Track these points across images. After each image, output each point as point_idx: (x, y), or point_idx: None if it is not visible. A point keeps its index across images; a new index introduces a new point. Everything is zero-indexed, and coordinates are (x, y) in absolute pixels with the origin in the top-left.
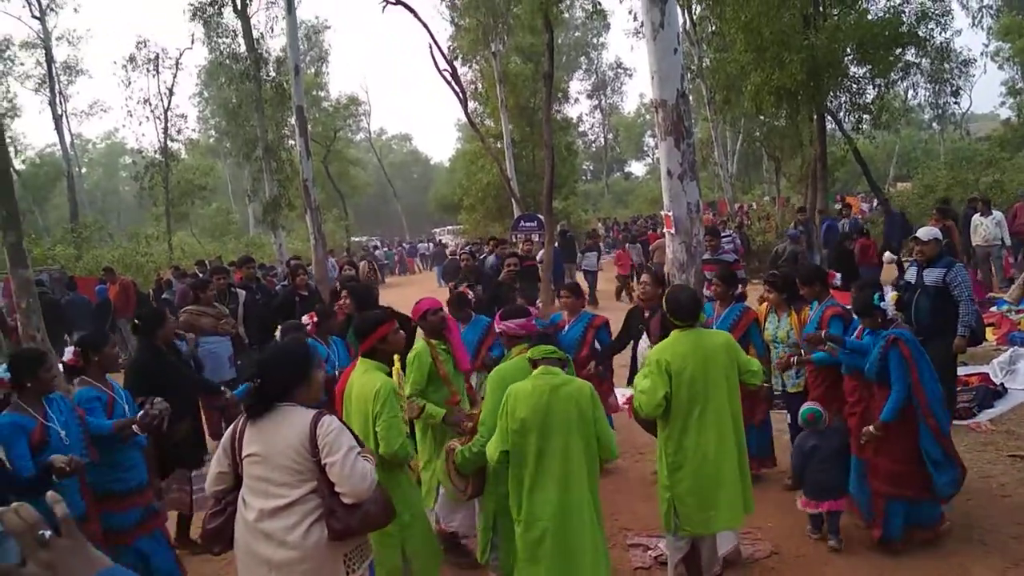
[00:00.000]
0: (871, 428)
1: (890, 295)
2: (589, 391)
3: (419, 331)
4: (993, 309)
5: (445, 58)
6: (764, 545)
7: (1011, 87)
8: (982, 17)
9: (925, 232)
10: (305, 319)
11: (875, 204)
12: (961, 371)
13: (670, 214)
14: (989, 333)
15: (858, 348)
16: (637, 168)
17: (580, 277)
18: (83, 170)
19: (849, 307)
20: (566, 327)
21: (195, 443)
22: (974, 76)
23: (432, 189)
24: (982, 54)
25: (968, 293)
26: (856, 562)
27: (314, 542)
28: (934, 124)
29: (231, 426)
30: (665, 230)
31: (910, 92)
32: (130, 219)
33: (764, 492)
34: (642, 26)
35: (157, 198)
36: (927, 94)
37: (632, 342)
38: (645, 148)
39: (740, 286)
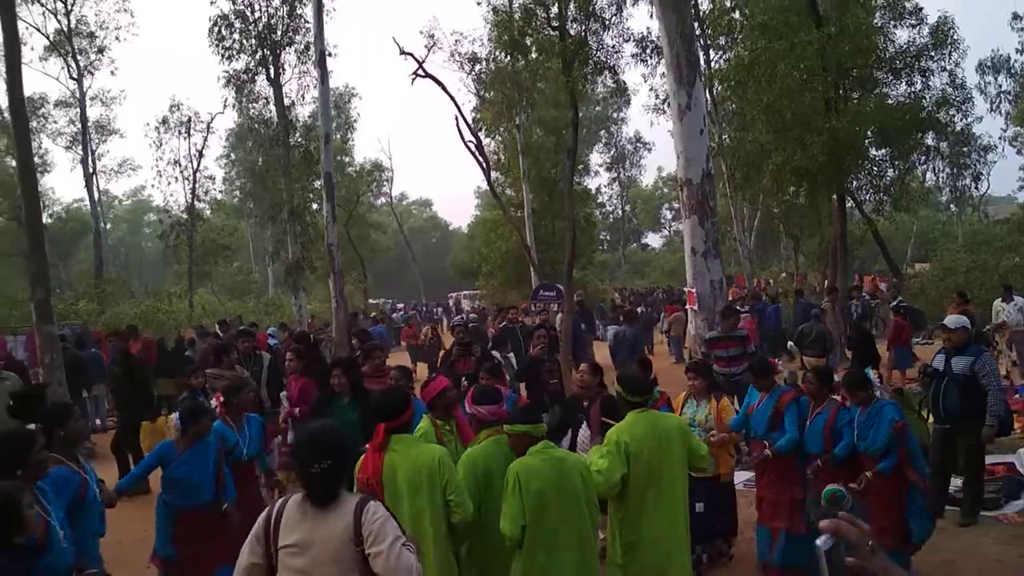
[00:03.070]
0: (867, 474)
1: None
2: (584, 462)
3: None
4: (1017, 396)
5: (471, 129)
6: None
7: None
8: (1000, 103)
9: (953, 320)
10: (213, 401)
11: (890, 283)
12: (987, 460)
13: (693, 291)
14: (1015, 421)
15: (847, 447)
16: (654, 240)
17: (601, 350)
18: (108, 226)
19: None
20: None
21: None
22: (994, 161)
23: (450, 254)
24: (1000, 138)
25: (997, 382)
26: None
27: None
28: (952, 206)
29: (265, 512)
30: (688, 306)
31: (929, 175)
32: (152, 275)
33: None
34: (664, 103)
35: (181, 256)
36: (945, 177)
37: (571, 430)
38: (662, 220)
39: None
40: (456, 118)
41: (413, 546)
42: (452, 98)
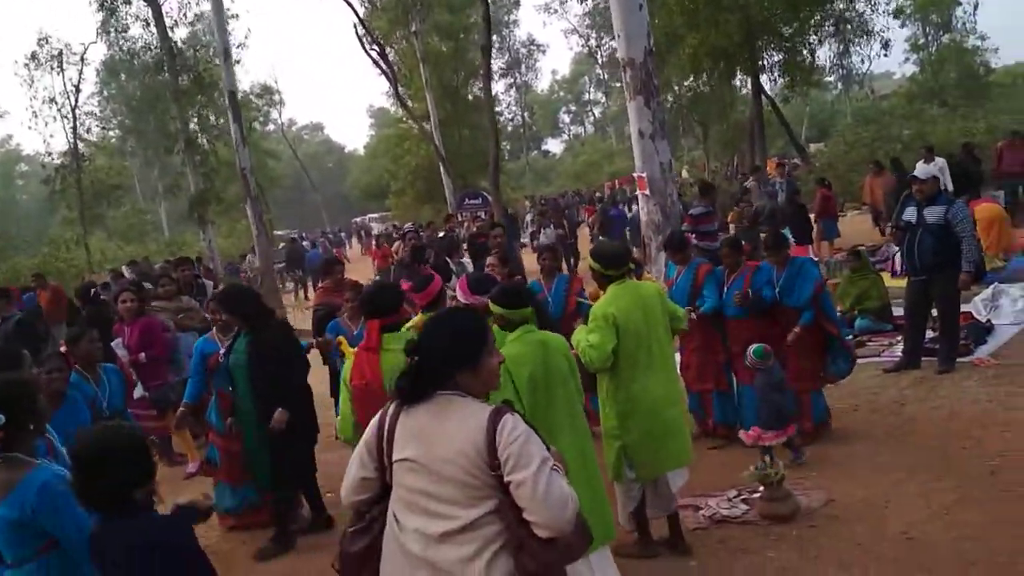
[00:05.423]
0: (796, 330)
1: None
2: (564, 342)
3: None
4: None
5: (372, 37)
6: (818, 494)
7: (914, 43)
8: None
9: (923, 171)
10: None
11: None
12: None
13: (643, 175)
14: None
15: (771, 297)
16: (554, 145)
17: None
18: None
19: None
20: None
21: None
22: (901, 26)
23: (348, 178)
24: (881, 14)
25: (970, 229)
26: (916, 501)
27: None
28: (839, 84)
29: (377, 417)
30: (639, 192)
31: (822, 53)
32: (31, 229)
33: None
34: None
35: (70, 201)
36: (834, 56)
37: None
38: (560, 125)
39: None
40: (355, 26)
41: (561, 467)
42: (350, 4)
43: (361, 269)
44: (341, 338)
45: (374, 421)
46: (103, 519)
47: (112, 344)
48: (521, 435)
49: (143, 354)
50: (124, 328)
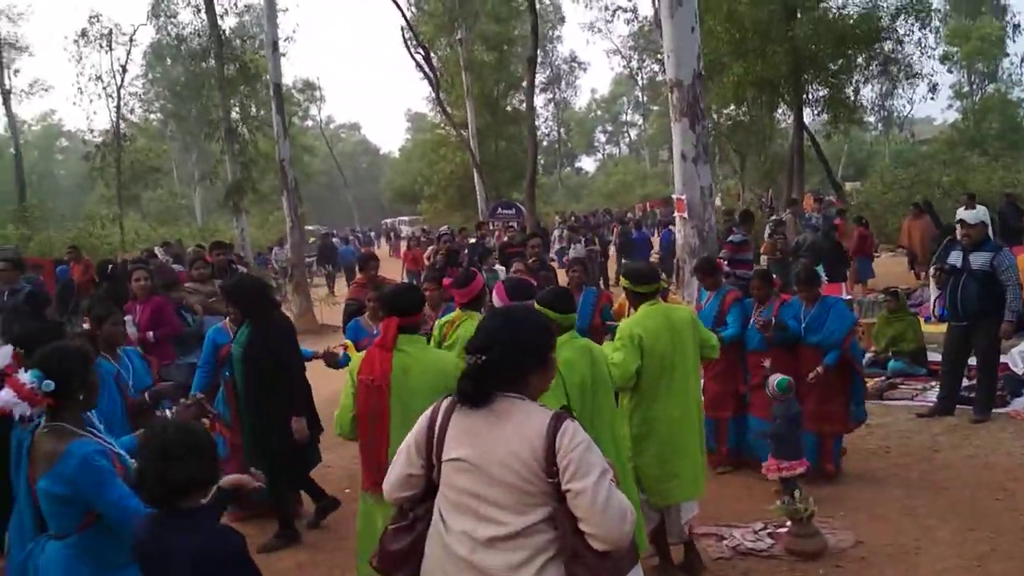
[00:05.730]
0: (819, 369)
1: None
2: (605, 351)
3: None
4: None
5: (418, 41)
6: (846, 535)
7: (958, 91)
8: (930, 21)
9: (972, 216)
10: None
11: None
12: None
13: (683, 198)
14: None
15: (796, 331)
16: (587, 163)
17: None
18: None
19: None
20: None
21: None
22: (949, 70)
23: (382, 179)
24: (929, 57)
25: (1016, 278)
26: (948, 550)
27: None
28: (879, 126)
29: (428, 413)
30: (676, 214)
31: (865, 92)
32: (67, 204)
33: (817, 485)
34: (613, 13)
35: (107, 179)
36: (877, 96)
37: None
38: (595, 144)
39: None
40: (403, 29)
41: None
42: (398, 6)
43: (388, 270)
44: (348, 342)
45: (425, 416)
46: (152, 517)
47: (126, 319)
48: (582, 443)
49: (151, 333)
50: (136, 306)
